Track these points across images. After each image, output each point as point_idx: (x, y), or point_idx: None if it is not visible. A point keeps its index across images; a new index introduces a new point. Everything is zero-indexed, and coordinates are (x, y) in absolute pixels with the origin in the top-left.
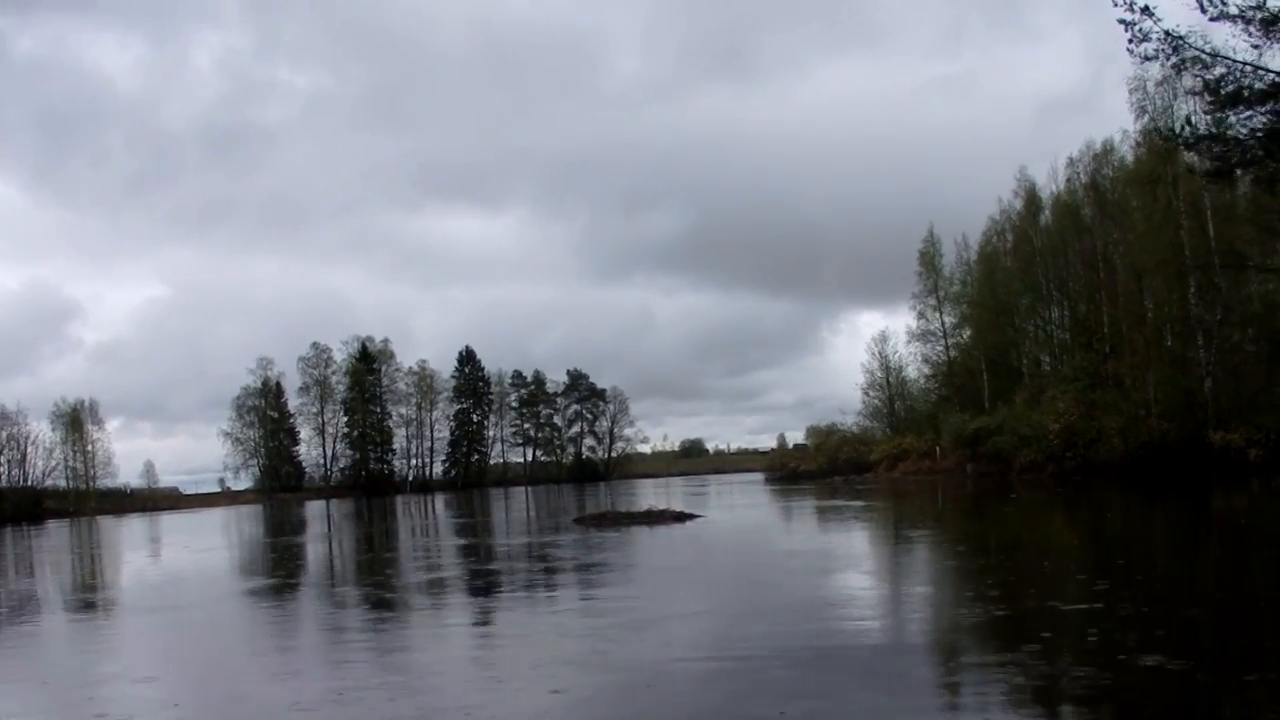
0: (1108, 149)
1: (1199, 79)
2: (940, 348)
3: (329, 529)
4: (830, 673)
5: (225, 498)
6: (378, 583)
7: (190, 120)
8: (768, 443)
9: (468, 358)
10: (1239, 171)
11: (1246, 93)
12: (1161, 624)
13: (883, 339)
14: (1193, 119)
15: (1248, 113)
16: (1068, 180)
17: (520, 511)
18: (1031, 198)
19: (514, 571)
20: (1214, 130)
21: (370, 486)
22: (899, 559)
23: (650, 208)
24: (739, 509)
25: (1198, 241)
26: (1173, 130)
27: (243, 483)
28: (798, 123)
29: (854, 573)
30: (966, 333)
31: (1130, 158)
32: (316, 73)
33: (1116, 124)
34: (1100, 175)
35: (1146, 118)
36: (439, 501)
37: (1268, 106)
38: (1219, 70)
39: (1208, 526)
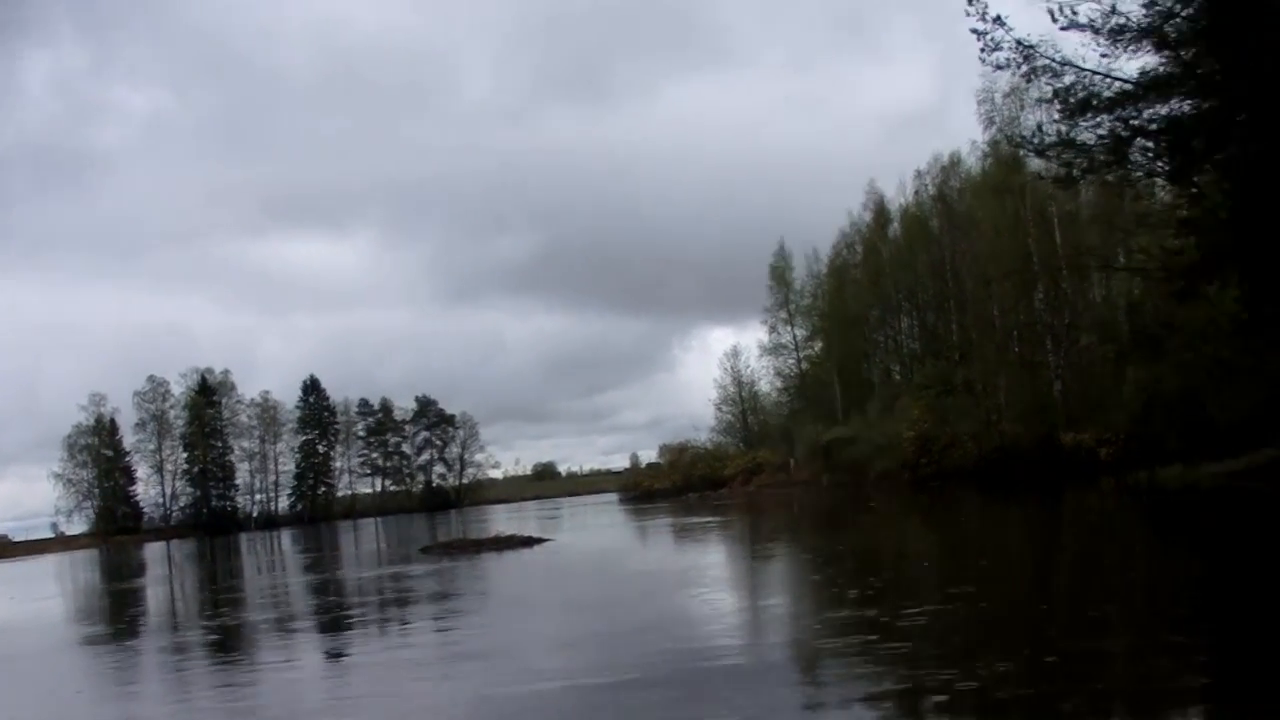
0: (955, 161)
1: (1049, 87)
2: (792, 361)
3: (169, 571)
4: (686, 698)
5: (58, 543)
6: (220, 625)
7: (19, 143)
8: (621, 463)
9: (312, 387)
10: (1088, 177)
11: (1095, 100)
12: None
13: (734, 354)
14: (1043, 127)
15: (1096, 119)
16: (916, 193)
17: (370, 544)
18: (880, 210)
19: (362, 605)
20: (1064, 137)
21: (213, 525)
22: (755, 574)
23: (501, 230)
24: (591, 531)
25: (1045, 248)
26: (1024, 137)
27: (77, 526)
28: (649, 143)
29: (709, 590)
30: (818, 345)
31: (977, 169)
32: (156, 93)
33: (963, 138)
34: (947, 187)
35: (994, 128)
36: (286, 537)
37: (1115, 113)
38: (1069, 78)
39: (1059, 526)
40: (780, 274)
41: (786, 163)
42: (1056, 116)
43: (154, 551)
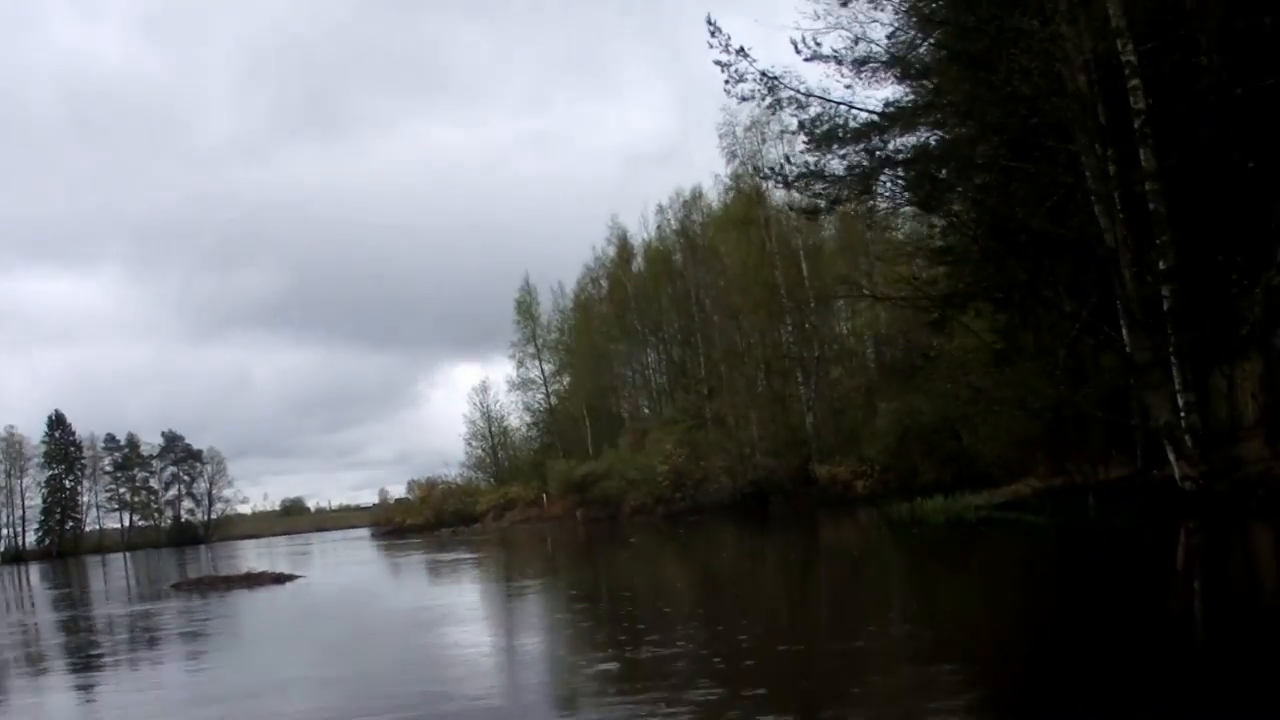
0: (696, 195)
1: (794, 119)
2: (541, 396)
3: None
4: None
5: None
6: None
7: None
8: (370, 498)
9: (57, 422)
10: (836, 208)
11: (841, 131)
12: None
13: (483, 389)
14: (791, 158)
15: (842, 150)
16: (658, 227)
17: (119, 580)
18: (624, 245)
19: (112, 643)
20: (811, 168)
21: None
22: (511, 612)
23: (244, 266)
24: (344, 567)
25: (791, 280)
26: (771, 169)
27: None
28: (390, 180)
29: (464, 628)
30: (566, 380)
31: (720, 202)
32: None
33: (704, 173)
34: (689, 221)
35: (737, 161)
36: (34, 572)
37: (862, 144)
38: (814, 109)
39: (815, 556)
40: (526, 308)
41: (530, 199)
42: (802, 148)
43: None
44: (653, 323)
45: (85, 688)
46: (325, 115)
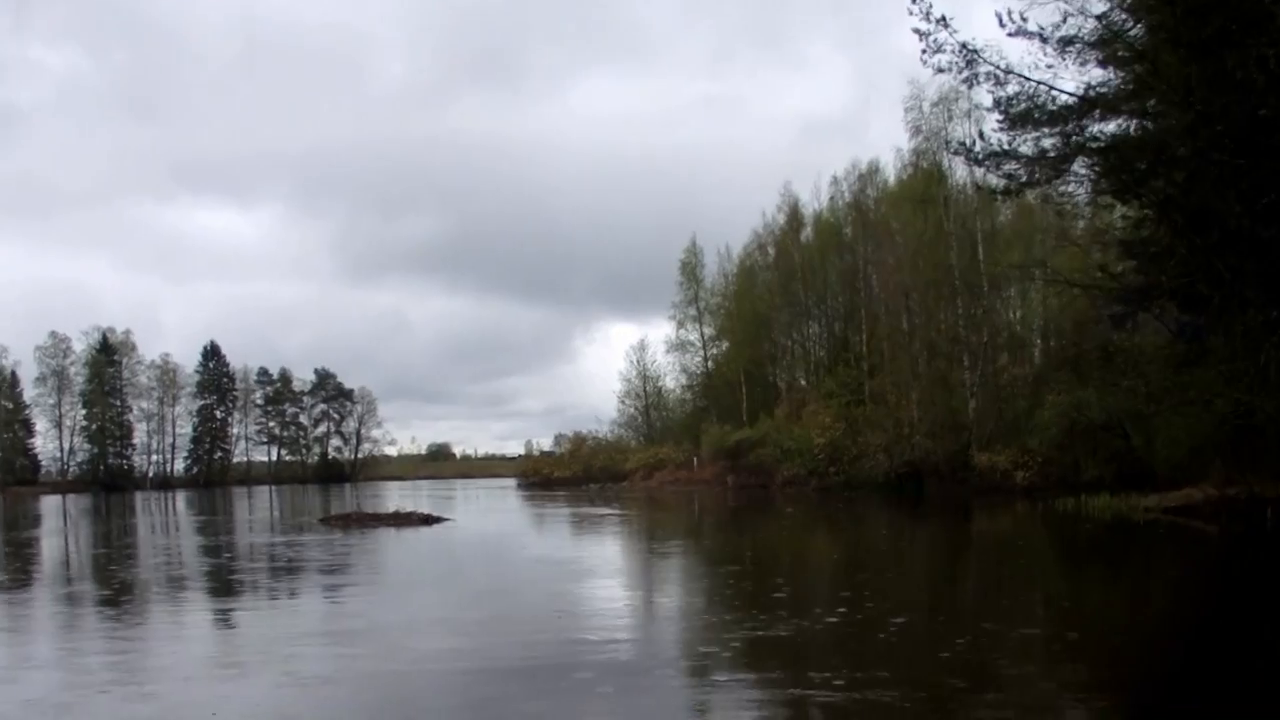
0: (873, 169)
1: (990, 95)
2: (699, 359)
3: (65, 526)
4: (560, 693)
5: None
6: (117, 583)
7: None
8: (515, 449)
9: (212, 352)
10: (1027, 191)
11: (1037, 112)
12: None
13: (641, 347)
14: (985, 135)
15: (1036, 132)
16: (831, 198)
17: (264, 511)
18: (794, 213)
19: (255, 573)
20: (1005, 147)
21: (109, 482)
22: (654, 570)
23: (408, 211)
24: (489, 513)
25: (966, 263)
26: (962, 144)
27: None
28: (561, 133)
29: (606, 582)
30: (724, 345)
31: (895, 179)
32: (72, 53)
33: (880, 148)
34: (863, 195)
35: (921, 137)
36: (180, 499)
37: (1057, 128)
38: (1011, 88)
39: (974, 543)
40: (690, 270)
41: (700, 162)
42: (994, 126)
43: (50, 504)
44: (816, 294)
45: (225, 612)
46: (500, 66)
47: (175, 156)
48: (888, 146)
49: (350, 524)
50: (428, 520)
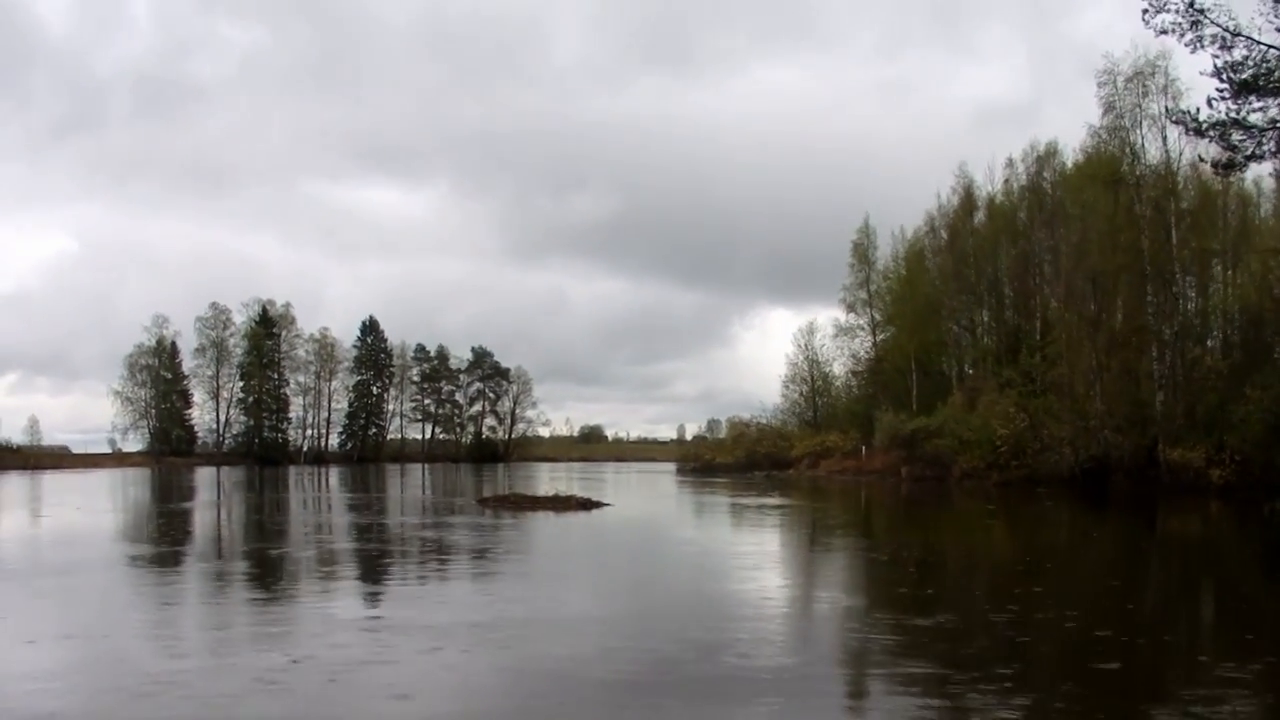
0: (1051, 152)
1: (1215, 59)
2: (868, 343)
3: (218, 498)
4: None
5: (113, 459)
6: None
7: (120, 71)
8: (667, 433)
9: (371, 328)
10: (1254, 162)
11: (1263, 80)
12: None
13: (810, 330)
14: (1212, 102)
15: (1261, 103)
16: (1005, 180)
17: (422, 490)
18: (969, 195)
19: (413, 556)
20: (1232, 116)
21: (263, 455)
22: (819, 569)
23: (573, 192)
24: (650, 500)
25: (1157, 247)
26: (1185, 112)
27: (133, 444)
28: (731, 117)
29: (770, 578)
30: (892, 330)
31: (1080, 156)
32: (255, 30)
33: (1053, 133)
34: (1040, 178)
35: (1114, 114)
36: (334, 474)
37: (1277, 99)
38: (1238, 52)
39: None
40: (862, 252)
41: (870, 148)
42: (1218, 94)
43: (204, 476)
44: (989, 280)
45: (380, 596)
46: (674, 49)
47: (349, 135)
48: (1063, 130)
49: (507, 506)
50: (586, 505)
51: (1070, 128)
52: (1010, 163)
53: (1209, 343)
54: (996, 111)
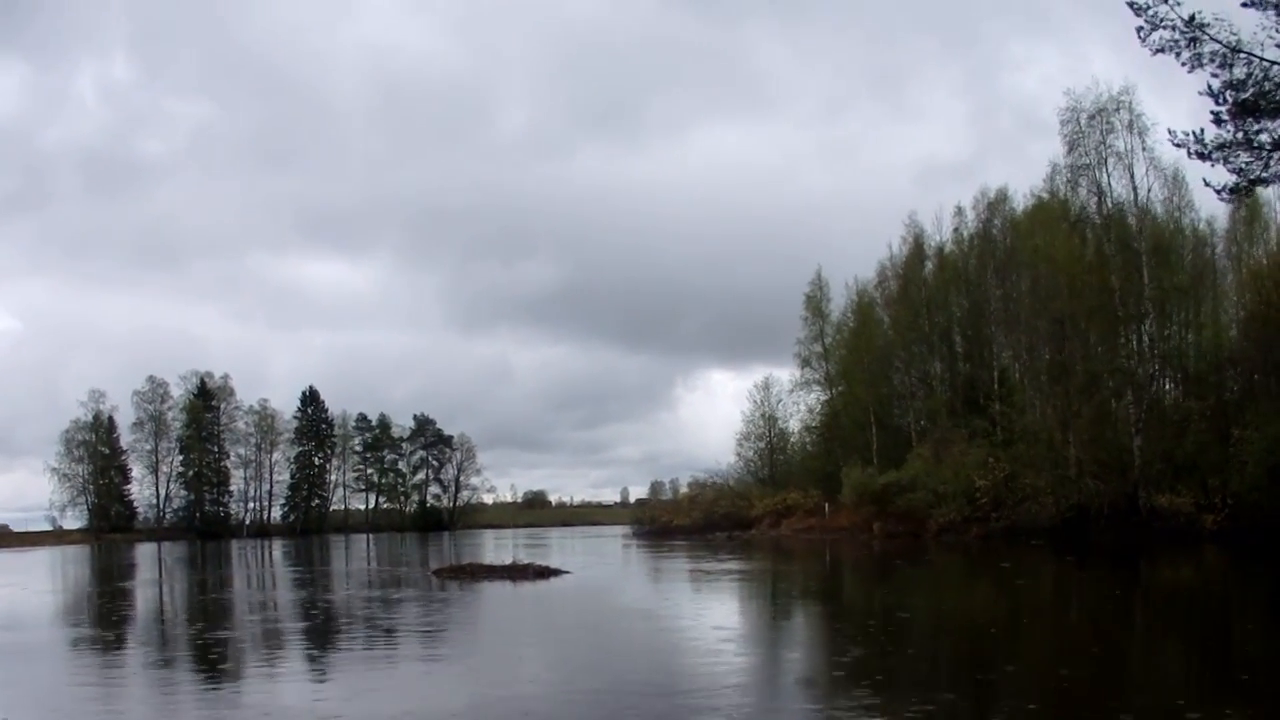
0: (1001, 197)
1: (1214, 79)
2: (824, 397)
3: (160, 576)
4: None
5: (52, 537)
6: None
7: (67, 147)
8: (610, 496)
9: (311, 398)
10: (1258, 187)
11: (1264, 102)
12: None
13: (765, 386)
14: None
15: (1257, 125)
16: (955, 230)
17: (367, 562)
18: (918, 246)
19: (365, 636)
20: (1239, 137)
21: (205, 530)
22: (810, 641)
23: (519, 261)
24: (608, 565)
25: (1129, 287)
26: (1191, 133)
27: (74, 521)
28: (677, 182)
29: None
30: (848, 384)
31: (1033, 203)
32: (202, 105)
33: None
34: (991, 225)
35: (1078, 152)
36: (277, 548)
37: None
38: (1239, 70)
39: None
40: (816, 304)
41: (814, 208)
42: (1217, 115)
43: (145, 552)
44: (942, 330)
45: (327, 681)
46: (619, 116)
47: (296, 208)
48: (1009, 183)
49: (463, 575)
50: (544, 573)
51: (1014, 180)
52: (959, 211)
53: (1183, 384)
54: (940, 168)
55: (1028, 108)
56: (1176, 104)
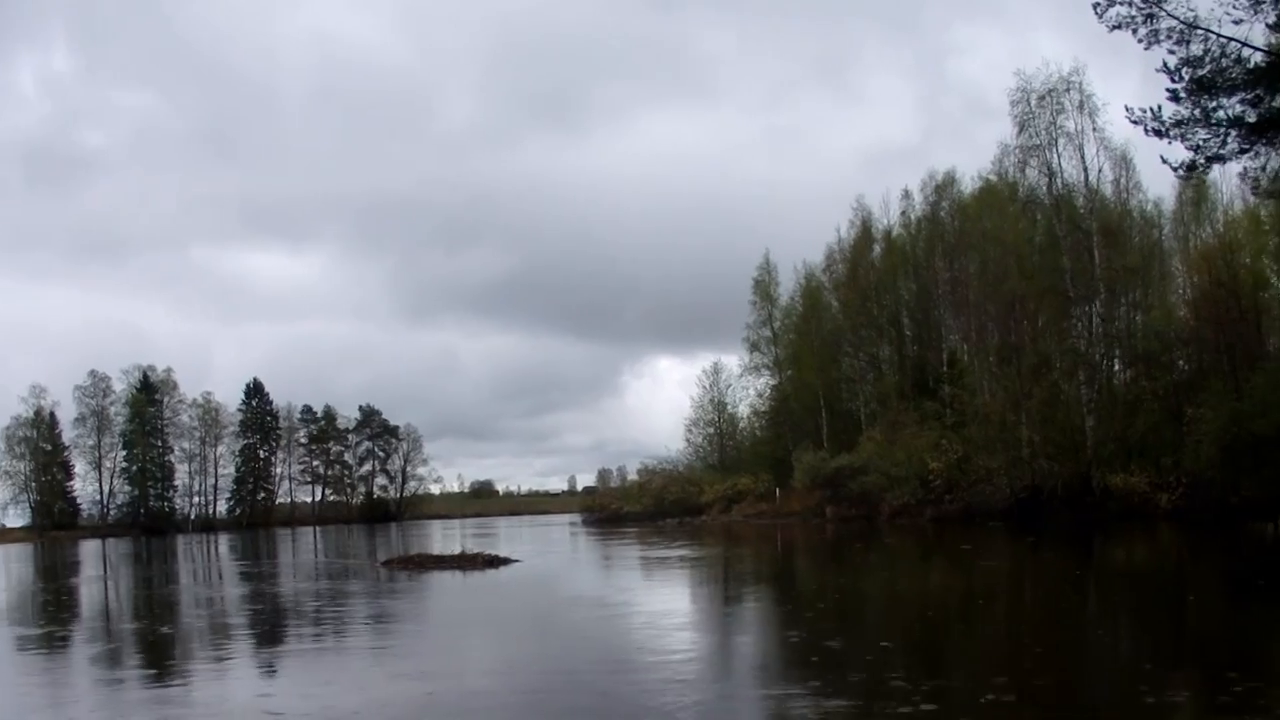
0: (949, 180)
1: (1171, 56)
2: (774, 382)
3: (105, 573)
4: None
5: None
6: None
7: (7, 140)
8: (558, 485)
9: (255, 390)
10: (1214, 165)
11: (1220, 79)
12: None
13: (715, 371)
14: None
15: (1214, 102)
16: (903, 213)
17: (314, 554)
18: (866, 230)
19: (314, 627)
20: (1196, 113)
21: (150, 525)
22: (775, 628)
23: (465, 251)
24: (558, 554)
25: (1080, 267)
26: (1148, 110)
27: (17, 519)
28: (623, 171)
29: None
30: (797, 369)
31: (981, 186)
32: (145, 97)
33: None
34: (939, 208)
35: (1027, 133)
36: (223, 542)
37: (1249, 93)
38: (1195, 47)
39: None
40: (764, 289)
41: (761, 196)
42: (1172, 93)
43: (89, 550)
44: (890, 314)
45: (275, 675)
46: (564, 105)
47: (240, 200)
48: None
49: (411, 566)
50: (494, 562)
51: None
52: (907, 194)
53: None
54: (888, 153)
55: (974, 92)
56: (1123, 86)
